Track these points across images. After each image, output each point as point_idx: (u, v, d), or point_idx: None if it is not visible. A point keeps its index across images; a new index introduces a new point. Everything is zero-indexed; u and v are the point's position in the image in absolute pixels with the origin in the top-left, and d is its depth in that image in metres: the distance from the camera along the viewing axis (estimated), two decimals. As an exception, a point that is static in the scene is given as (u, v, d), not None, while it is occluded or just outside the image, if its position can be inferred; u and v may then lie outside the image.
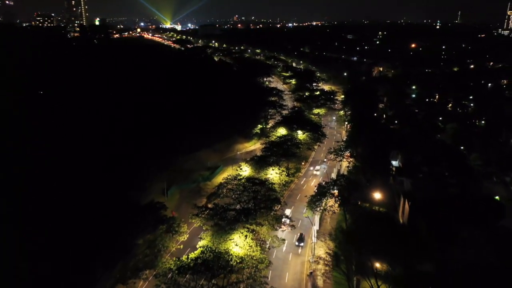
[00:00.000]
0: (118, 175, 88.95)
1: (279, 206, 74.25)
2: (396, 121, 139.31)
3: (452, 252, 63.85)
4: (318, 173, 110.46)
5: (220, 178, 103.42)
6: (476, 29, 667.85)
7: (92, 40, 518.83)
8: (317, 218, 79.94)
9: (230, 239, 58.81)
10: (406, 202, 78.87)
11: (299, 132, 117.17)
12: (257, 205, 70.89)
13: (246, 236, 60.63)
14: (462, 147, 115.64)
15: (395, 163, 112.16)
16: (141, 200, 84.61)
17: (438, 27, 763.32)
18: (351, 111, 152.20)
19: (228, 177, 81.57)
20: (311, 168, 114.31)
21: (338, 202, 78.46)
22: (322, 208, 76.53)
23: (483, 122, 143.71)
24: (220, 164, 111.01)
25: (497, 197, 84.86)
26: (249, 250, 58.22)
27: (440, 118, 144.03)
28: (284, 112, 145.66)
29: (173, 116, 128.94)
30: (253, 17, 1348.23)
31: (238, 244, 58.93)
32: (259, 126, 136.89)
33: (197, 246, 61.63)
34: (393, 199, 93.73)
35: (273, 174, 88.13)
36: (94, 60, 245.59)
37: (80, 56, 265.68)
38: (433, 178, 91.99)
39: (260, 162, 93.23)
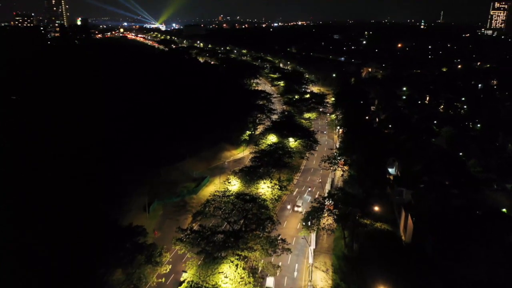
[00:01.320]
0: (94, 191, 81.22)
1: (273, 225, 67.02)
2: (390, 125, 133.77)
3: (462, 273, 58.59)
4: (300, 209, 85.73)
5: (206, 190, 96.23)
6: (460, 29, 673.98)
7: (73, 41, 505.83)
8: (313, 236, 73.41)
9: (219, 272, 51.41)
10: (409, 218, 72.82)
11: (291, 139, 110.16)
12: (248, 226, 63.75)
13: (237, 265, 53.46)
14: (460, 153, 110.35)
15: (391, 170, 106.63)
16: (120, 219, 76.78)
17: (422, 26, 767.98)
18: (343, 115, 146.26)
19: (216, 193, 74.08)
20: (288, 206, 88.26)
21: (335, 219, 72.03)
22: (319, 227, 69.70)
23: (478, 125, 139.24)
24: (207, 175, 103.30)
25: (504, 210, 79.52)
26: (240, 282, 51.10)
27: (435, 122, 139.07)
28: (274, 116, 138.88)
29: (154, 123, 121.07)
30: (238, 17, 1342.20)
31: (228, 276, 51.69)
32: (248, 132, 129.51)
33: (181, 279, 54.11)
34: (392, 211, 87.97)
35: (265, 188, 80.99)
36: (73, 62, 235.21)
37: (58, 58, 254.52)
38: (435, 189, 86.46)
39: (250, 174, 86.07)
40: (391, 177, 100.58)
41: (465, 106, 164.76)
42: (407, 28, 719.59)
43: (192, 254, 58.16)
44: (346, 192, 78.36)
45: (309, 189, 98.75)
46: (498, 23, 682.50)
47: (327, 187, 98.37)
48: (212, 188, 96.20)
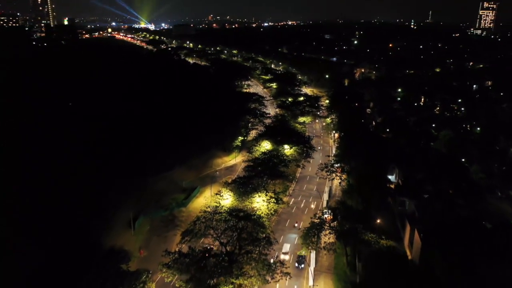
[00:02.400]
0: (77, 205, 74.92)
1: (270, 246, 61.02)
2: (387, 129, 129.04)
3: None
4: (287, 257, 68.39)
5: (197, 202, 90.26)
6: (450, 29, 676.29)
7: (59, 41, 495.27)
8: (313, 255, 67.91)
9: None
10: (416, 233, 67.62)
11: (286, 146, 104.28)
12: (242, 247, 57.84)
13: (231, 296, 47.63)
14: (463, 159, 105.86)
15: (392, 178, 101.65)
16: (103, 237, 70.66)
17: (412, 26, 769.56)
18: (338, 118, 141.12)
19: (207, 209, 68.06)
20: (271, 260, 60.80)
21: (336, 237, 66.74)
22: (319, 246, 64.22)
23: (477, 128, 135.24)
24: (197, 185, 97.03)
25: (514, 222, 75.08)
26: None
27: (433, 125, 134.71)
28: (267, 121, 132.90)
29: (141, 130, 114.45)
30: (228, 17, 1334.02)
31: (222, 310, 45.82)
32: (240, 138, 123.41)
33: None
34: (393, 222, 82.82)
35: (260, 202, 75.03)
36: (57, 63, 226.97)
37: (41, 59, 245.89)
38: (439, 199, 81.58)
39: (243, 185, 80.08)
40: (392, 186, 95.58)
41: (462, 108, 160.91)
42: (397, 28, 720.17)
43: (180, 282, 52.05)
44: (347, 206, 72.97)
45: (296, 224, 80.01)
46: (487, 23, 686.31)
47: (325, 197, 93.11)
48: (203, 199, 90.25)
